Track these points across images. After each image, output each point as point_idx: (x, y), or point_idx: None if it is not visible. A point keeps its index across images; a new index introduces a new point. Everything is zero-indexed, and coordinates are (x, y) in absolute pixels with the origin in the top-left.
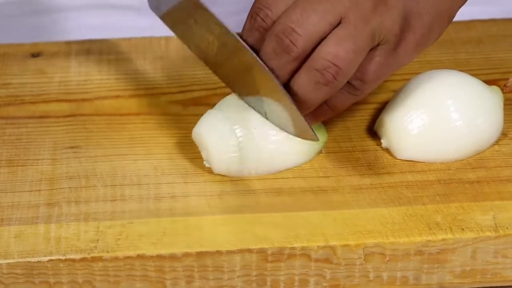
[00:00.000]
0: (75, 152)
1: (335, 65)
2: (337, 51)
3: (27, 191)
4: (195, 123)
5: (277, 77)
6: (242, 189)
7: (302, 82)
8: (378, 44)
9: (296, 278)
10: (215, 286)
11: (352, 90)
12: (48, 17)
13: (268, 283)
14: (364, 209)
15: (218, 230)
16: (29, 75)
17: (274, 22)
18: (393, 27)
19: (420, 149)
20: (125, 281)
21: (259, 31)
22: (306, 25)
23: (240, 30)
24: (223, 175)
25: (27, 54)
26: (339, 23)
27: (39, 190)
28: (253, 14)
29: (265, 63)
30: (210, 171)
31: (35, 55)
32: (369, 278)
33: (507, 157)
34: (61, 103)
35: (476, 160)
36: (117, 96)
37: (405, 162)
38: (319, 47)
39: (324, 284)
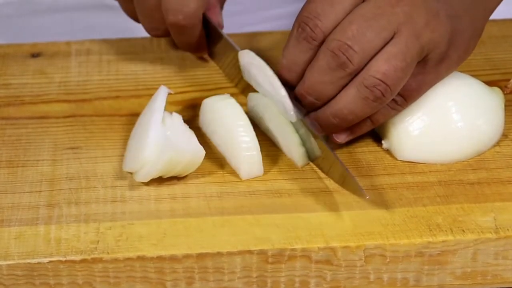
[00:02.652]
0: (75, 153)
1: (384, 82)
2: (387, 69)
3: (27, 192)
4: (195, 123)
5: (327, 91)
6: (242, 190)
7: (351, 97)
8: (423, 59)
9: (297, 279)
10: (216, 287)
11: (394, 105)
12: (48, 17)
13: (269, 285)
14: (364, 211)
15: (219, 232)
16: (29, 76)
17: (323, 33)
18: (440, 44)
19: (421, 150)
20: (125, 282)
21: (307, 41)
22: (362, 42)
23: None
24: (223, 176)
25: (27, 54)
26: (392, 37)
27: (39, 191)
28: (301, 23)
29: (317, 77)
30: (210, 171)
31: (35, 55)
32: (369, 280)
33: (507, 158)
34: (61, 103)
35: (477, 161)
36: (117, 97)
37: (405, 163)
38: (370, 63)
39: (325, 286)
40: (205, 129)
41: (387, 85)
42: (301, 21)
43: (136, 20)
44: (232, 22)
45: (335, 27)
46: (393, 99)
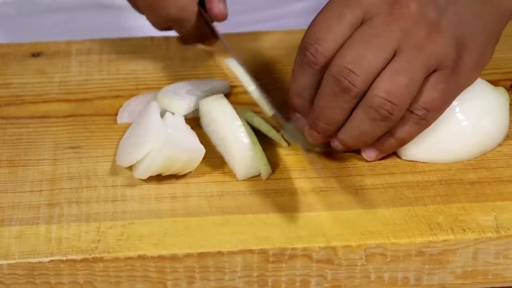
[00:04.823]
0: (76, 152)
1: (389, 101)
2: (390, 88)
3: (28, 192)
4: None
5: (336, 116)
6: (243, 190)
7: (360, 119)
8: (435, 71)
9: (298, 278)
10: (216, 286)
11: (418, 120)
12: (48, 17)
13: (269, 284)
14: (365, 210)
15: (219, 231)
16: (29, 75)
17: (324, 57)
18: (449, 52)
19: (425, 150)
20: (126, 281)
21: (309, 66)
22: (362, 65)
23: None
24: (224, 175)
25: (27, 54)
26: (394, 55)
27: (40, 191)
28: (302, 49)
29: (324, 103)
30: (211, 171)
31: (35, 55)
32: (370, 279)
33: (508, 158)
34: (61, 103)
35: (478, 161)
36: (118, 96)
37: (406, 162)
38: (374, 83)
39: (326, 285)
40: (205, 129)
41: (392, 103)
42: (303, 47)
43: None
44: (232, 22)
45: (335, 51)
46: (416, 114)
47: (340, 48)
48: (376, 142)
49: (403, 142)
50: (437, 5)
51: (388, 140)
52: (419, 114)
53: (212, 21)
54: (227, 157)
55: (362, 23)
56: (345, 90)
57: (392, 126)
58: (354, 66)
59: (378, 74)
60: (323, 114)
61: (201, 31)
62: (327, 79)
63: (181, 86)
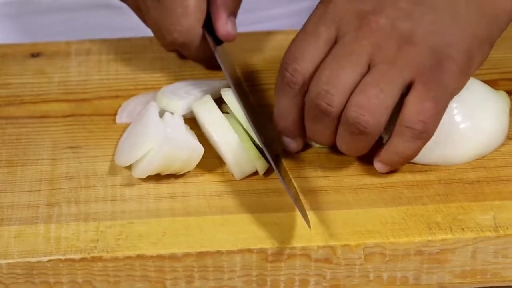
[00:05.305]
0: (75, 152)
1: (362, 115)
2: (360, 101)
3: (27, 191)
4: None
5: (326, 136)
6: (242, 189)
7: (342, 137)
8: (414, 82)
9: (296, 278)
10: (215, 286)
11: (418, 135)
12: (47, 17)
13: (268, 283)
14: (364, 209)
15: (218, 230)
16: (29, 75)
17: (303, 75)
18: (425, 62)
19: (423, 152)
20: (125, 281)
21: (290, 86)
22: (337, 84)
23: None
24: (223, 175)
25: (27, 54)
26: (368, 70)
27: (39, 190)
28: (281, 69)
29: (311, 126)
30: (210, 170)
31: (35, 55)
32: (369, 278)
33: (507, 157)
34: (61, 103)
35: (476, 161)
36: (117, 96)
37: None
38: (349, 99)
39: (324, 284)
40: (202, 130)
41: (365, 115)
42: (282, 67)
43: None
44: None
45: (313, 69)
46: (412, 128)
47: (317, 67)
48: (384, 158)
49: (410, 158)
50: (410, 17)
51: (394, 157)
52: (418, 128)
53: (218, 43)
54: (223, 158)
55: (336, 41)
56: (324, 112)
57: (393, 143)
58: (329, 86)
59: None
60: (315, 137)
61: (206, 54)
62: (307, 103)
63: (180, 86)
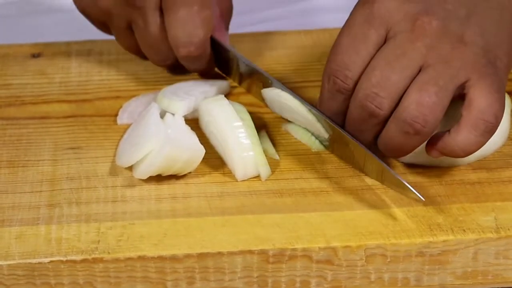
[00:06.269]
0: (76, 153)
1: (421, 113)
2: (420, 98)
3: (28, 192)
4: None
5: (368, 137)
6: (243, 190)
7: (393, 135)
8: (470, 80)
9: (298, 279)
10: (216, 287)
11: (490, 127)
12: (48, 18)
13: (269, 285)
14: (365, 210)
15: (219, 231)
16: (29, 76)
17: (354, 82)
18: (479, 60)
19: (422, 154)
20: (126, 282)
21: (341, 92)
22: (387, 87)
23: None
24: (224, 176)
25: (27, 54)
26: (419, 71)
27: (40, 191)
28: (331, 76)
29: (354, 128)
30: (210, 171)
31: (35, 55)
32: (370, 280)
33: (508, 158)
34: (61, 103)
35: (477, 162)
36: (118, 97)
37: (406, 163)
38: (404, 97)
39: (326, 286)
40: (204, 131)
41: (425, 114)
42: (331, 74)
43: (139, 55)
44: (231, 22)
45: (362, 72)
46: (486, 122)
47: (366, 68)
48: (446, 147)
49: (470, 153)
50: (458, 17)
51: (456, 150)
52: (492, 121)
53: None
54: (226, 158)
55: (385, 41)
56: (372, 114)
57: (462, 135)
58: (379, 89)
59: (405, 90)
60: (355, 134)
61: (210, 67)
62: (354, 105)
63: (181, 87)
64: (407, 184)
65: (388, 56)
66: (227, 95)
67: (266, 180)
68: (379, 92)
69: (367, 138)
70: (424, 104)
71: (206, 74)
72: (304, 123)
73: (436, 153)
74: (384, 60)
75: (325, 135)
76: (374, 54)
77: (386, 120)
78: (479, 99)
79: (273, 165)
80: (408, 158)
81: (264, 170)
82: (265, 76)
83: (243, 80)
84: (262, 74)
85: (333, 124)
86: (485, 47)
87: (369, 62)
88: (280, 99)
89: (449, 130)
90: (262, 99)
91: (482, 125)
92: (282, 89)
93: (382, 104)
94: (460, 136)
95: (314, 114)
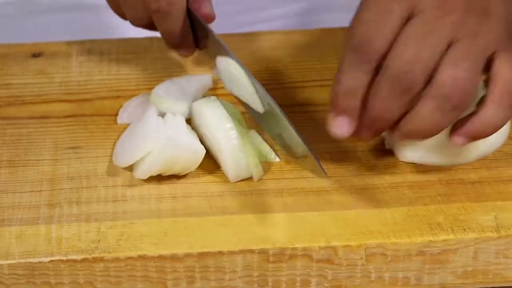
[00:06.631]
0: (76, 153)
1: (457, 87)
2: (455, 73)
3: (28, 192)
4: None
5: (395, 116)
6: (243, 190)
7: (427, 113)
8: (495, 52)
9: (298, 278)
10: (217, 286)
11: (510, 101)
12: (48, 17)
13: (270, 284)
14: (365, 210)
15: (220, 231)
16: (29, 76)
17: (378, 54)
18: (502, 33)
19: (423, 152)
20: (126, 281)
21: (365, 66)
22: (421, 63)
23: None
24: (224, 175)
25: (27, 54)
26: (449, 47)
27: (40, 191)
28: (354, 48)
29: (383, 105)
30: (211, 171)
31: (35, 55)
32: (370, 279)
33: (508, 158)
34: (62, 103)
35: (478, 161)
36: (118, 97)
37: (406, 162)
38: (436, 75)
39: (326, 285)
40: (196, 131)
41: (461, 88)
42: (354, 46)
43: (122, 15)
44: (231, 22)
45: (388, 47)
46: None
47: (391, 43)
48: (472, 130)
49: (498, 128)
50: None
51: (484, 128)
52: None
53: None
54: (219, 160)
55: (410, 17)
56: (406, 90)
57: (488, 113)
58: (412, 65)
59: (436, 67)
60: (382, 118)
61: (185, 34)
62: (385, 82)
63: (171, 86)
64: (320, 165)
65: (418, 33)
66: (227, 95)
67: (266, 179)
68: (412, 68)
69: (393, 117)
70: (459, 78)
71: (182, 49)
72: (244, 96)
73: (463, 140)
74: (414, 37)
75: (260, 109)
76: (398, 29)
77: (414, 98)
78: (505, 71)
79: (273, 164)
80: (409, 156)
81: (256, 171)
82: (222, 46)
83: (203, 47)
84: (220, 44)
85: (270, 99)
86: (508, 18)
87: (392, 37)
88: (229, 67)
89: (471, 114)
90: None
91: (509, 97)
92: (233, 59)
93: (416, 81)
94: (489, 111)
95: (255, 87)
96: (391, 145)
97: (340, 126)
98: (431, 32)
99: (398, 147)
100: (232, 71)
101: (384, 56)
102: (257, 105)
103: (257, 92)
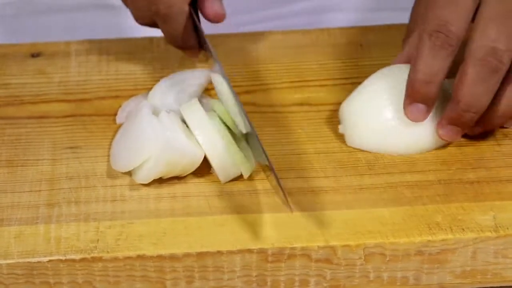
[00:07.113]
0: (74, 153)
1: None
2: None
3: (27, 192)
4: None
5: (484, 101)
6: (242, 189)
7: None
8: None
9: (297, 278)
10: (215, 286)
11: None
12: (48, 17)
13: (269, 284)
14: (364, 210)
15: (219, 230)
16: (28, 75)
17: (458, 37)
18: None
19: (374, 139)
20: (125, 281)
21: (445, 49)
22: (505, 41)
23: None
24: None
25: (26, 54)
26: None
27: (39, 191)
28: (433, 32)
29: (471, 91)
30: (209, 171)
31: (34, 55)
32: (369, 279)
33: (507, 158)
34: (60, 103)
35: (476, 160)
36: (117, 96)
37: (405, 162)
38: None
39: (325, 285)
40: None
41: None
42: (433, 30)
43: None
44: (231, 22)
45: (466, 29)
46: None
47: (468, 26)
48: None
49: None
50: None
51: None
52: None
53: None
54: (210, 162)
55: None
56: (494, 70)
57: None
58: (499, 43)
59: None
60: (471, 104)
61: (186, 36)
62: (472, 64)
63: (168, 84)
64: (283, 192)
65: (498, 14)
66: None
67: (265, 179)
68: (499, 46)
69: (482, 105)
70: None
71: (186, 48)
72: (231, 112)
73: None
74: (496, 17)
75: (243, 129)
76: (473, 10)
77: (499, 82)
78: None
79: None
80: (358, 142)
81: (245, 168)
82: (216, 60)
83: (206, 49)
84: (215, 59)
85: (249, 124)
86: None
87: (469, 18)
88: (217, 85)
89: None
90: None
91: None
92: (222, 76)
93: (503, 58)
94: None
95: (239, 110)
96: (344, 131)
97: (417, 113)
98: (510, 12)
99: (349, 132)
100: (221, 89)
101: (462, 40)
102: (241, 125)
103: (240, 114)
